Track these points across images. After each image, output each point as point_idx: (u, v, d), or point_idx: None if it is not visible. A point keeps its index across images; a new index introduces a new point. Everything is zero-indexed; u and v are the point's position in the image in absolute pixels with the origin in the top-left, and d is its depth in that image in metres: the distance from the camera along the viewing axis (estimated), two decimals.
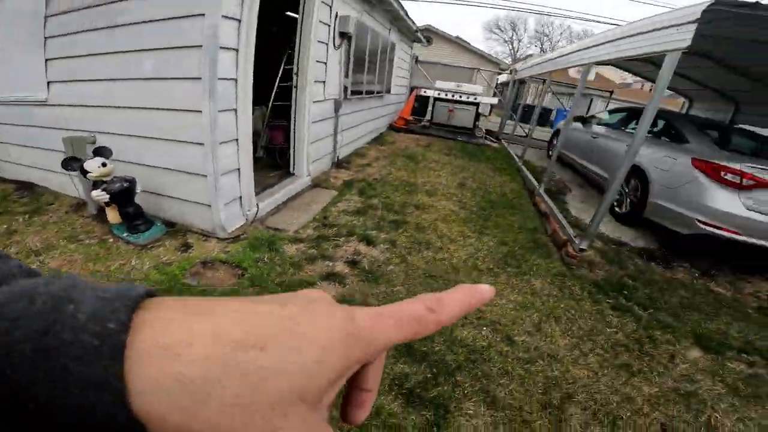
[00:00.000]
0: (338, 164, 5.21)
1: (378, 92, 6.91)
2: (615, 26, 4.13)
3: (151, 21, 2.61)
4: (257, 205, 3.27)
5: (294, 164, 4.24)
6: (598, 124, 6.03)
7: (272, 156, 4.68)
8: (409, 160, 6.04)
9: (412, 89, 10.39)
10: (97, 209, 3.11)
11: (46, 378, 0.15)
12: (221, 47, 2.51)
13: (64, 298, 0.16)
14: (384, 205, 3.96)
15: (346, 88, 5.01)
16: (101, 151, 2.83)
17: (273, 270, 2.61)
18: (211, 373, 0.16)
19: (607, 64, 5.71)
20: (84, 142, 3.01)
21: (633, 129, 5.03)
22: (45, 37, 3.15)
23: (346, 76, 4.95)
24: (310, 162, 4.27)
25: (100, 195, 2.71)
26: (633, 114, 5.56)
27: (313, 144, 4.26)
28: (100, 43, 2.87)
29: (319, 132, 4.42)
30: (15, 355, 0.15)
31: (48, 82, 3.28)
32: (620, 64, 6.04)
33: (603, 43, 4.06)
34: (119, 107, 2.97)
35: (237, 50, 2.70)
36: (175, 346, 0.16)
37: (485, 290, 0.25)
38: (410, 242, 3.23)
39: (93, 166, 2.72)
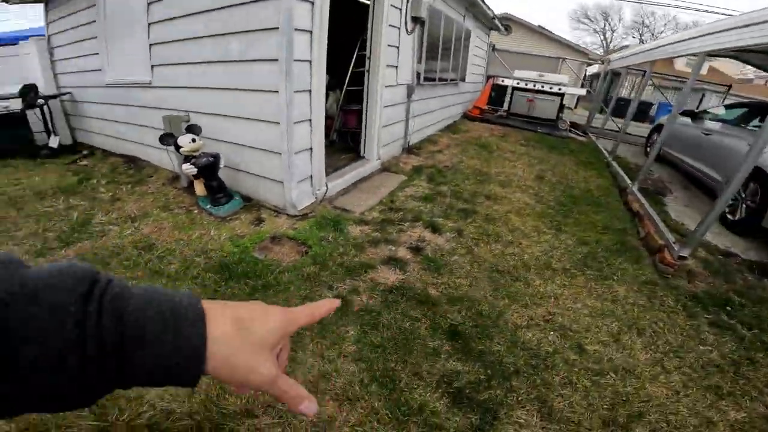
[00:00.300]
0: (409, 150, 5.14)
1: (452, 80, 6.73)
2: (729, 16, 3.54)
3: (234, 5, 2.75)
4: (327, 185, 3.34)
5: (364, 148, 4.26)
6: (712, 119, 5.21)
7: (345, 140, 4.77)
8: (482, 149, 5.76)
9: (488, 78, 9.96)
10: (187, 182, 3.41)
11: (174, 332, 0.31)
12: (296, 29, 2.57)
13: (172, 295, 0.33)
14: (453, 193, 3.81)
15: (419, 74, 4.93)
16: (192, 128, 3.07)
17: (336, 250, 2.63)
18: (233, 331, 0.33)
19: (723, 56, 4.91)
20: (179, 120, 3.30)
21: (756, 126, 4.29)
22: (148, 24, 3.48)
23: (419, 61, 4.86)
24: (381, 146, 4.26)
25: (189, 168, 2.95)
26: (757, 109, 4.72)
27: (384, 128, 4.24)
28: (193, 28, 3.10)
29: (390, 117, 4.39)
30: (160, 321, 0.30)
31: (152, 66, 3.64)
32: (740, 56, 5.14)
33: (719, 32, 3.49)
34: (208, 88, 3.20)
35: (311, 32, 2.74)
36: (219, 320, 0.33)
37: (338, 302, 0.44)
38: (478, 233, 3.06)
39: (185, 141, 2.97)
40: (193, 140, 3.00)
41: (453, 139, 6.37)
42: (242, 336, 0.33)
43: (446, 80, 6.32)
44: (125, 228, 2.85)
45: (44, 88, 5.06)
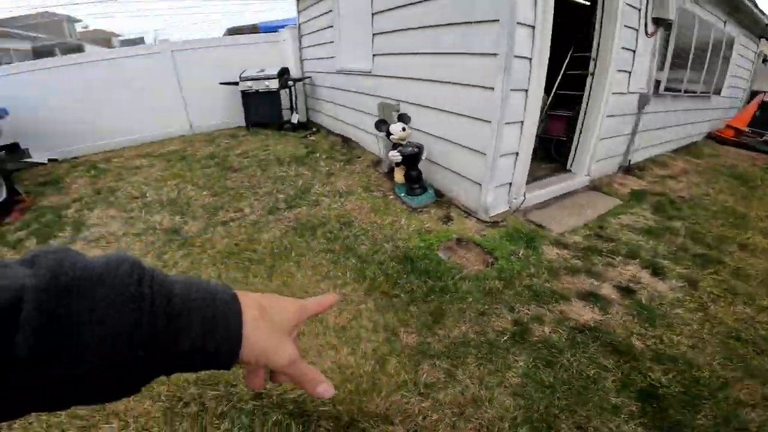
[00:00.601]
0: (627, 169, 4.28)
1: (702, 92, 5.34)
2: None
3: None
4: (524, 194, 3.03)
5: (573, 160, 3.73)
6: None
7: (546, 148, 4.30)
8: (738, 182, 4.36)
9: (753, 94, 7.59)
10: (388, 168, 3.64)
11: (215, 316, 0.32)
12: (518, 23, 2.34)
13: (207, 282, 0.35)
14: (689, 233, 2.95)
15: (658, 83, 4.06)
16: (403, 117, 3.21)
17: (525, 269, 2.34)
18: (260, 317, 0.35)
19: None
20: (391, 108, 3.53)
21: None
22: (372, 13, 3.71)
23: (661, 68, 4.00)
24: (594, 161, 3.64)
25: (394, 156, 3.10)
26: None
27: (601, 141, 3.60)
28: (411, 18, 3.15)
29: (611, 128, 3.70)
30: (202, 305, 0.32)
31: (373, 55, 3.92)
32: None
33: None
34: (417, 79, 3.26)
35: (533, 27, 2.46)
36: (249, 306, 0.35)
37: (337, 296, 0.50)
38: (720, 289, 2.29)
39: (396, 129, 3.13)
40: (403, 129, 3.14)
41: (692, 163, 5.03)
42: (267, 321, 0.36)
43: (694, 92, 5.06)
44: (333, 201, 3.22)
45: (294, 71, 6.22)
